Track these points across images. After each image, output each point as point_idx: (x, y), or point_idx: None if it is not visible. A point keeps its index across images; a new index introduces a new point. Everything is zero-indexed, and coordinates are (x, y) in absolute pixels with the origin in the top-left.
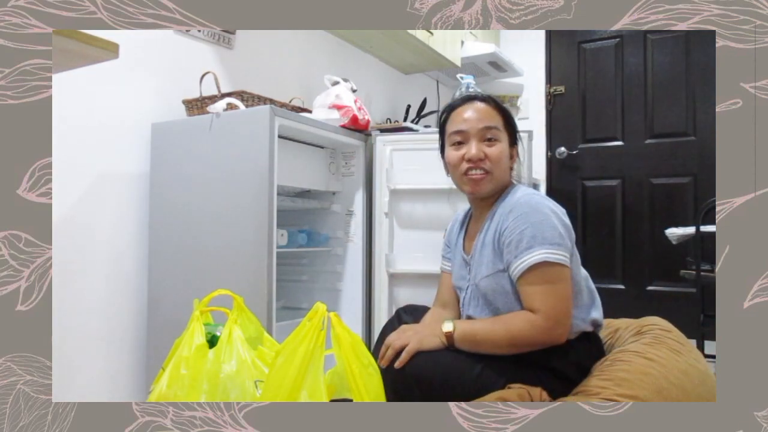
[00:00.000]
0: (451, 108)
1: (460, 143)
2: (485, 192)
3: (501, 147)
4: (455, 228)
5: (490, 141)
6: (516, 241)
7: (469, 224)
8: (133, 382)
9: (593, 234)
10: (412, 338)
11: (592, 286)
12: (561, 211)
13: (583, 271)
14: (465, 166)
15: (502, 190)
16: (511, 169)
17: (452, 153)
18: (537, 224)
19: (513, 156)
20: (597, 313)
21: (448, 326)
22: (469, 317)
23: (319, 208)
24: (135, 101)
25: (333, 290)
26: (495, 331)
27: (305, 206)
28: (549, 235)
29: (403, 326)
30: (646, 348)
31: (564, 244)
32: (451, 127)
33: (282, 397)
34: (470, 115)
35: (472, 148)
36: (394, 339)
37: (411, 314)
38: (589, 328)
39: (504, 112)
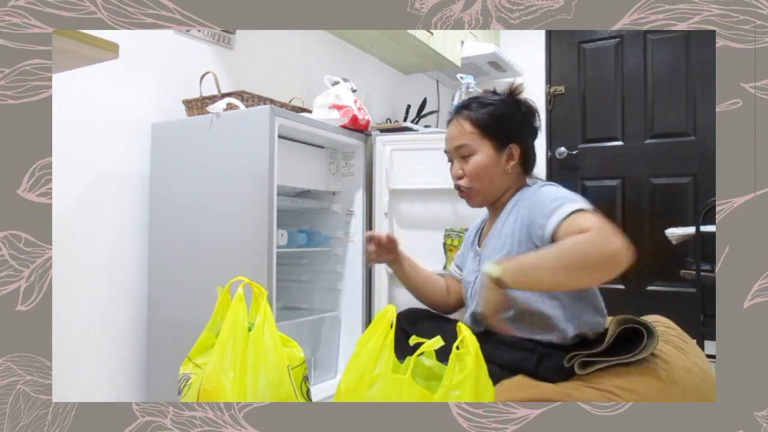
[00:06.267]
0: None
1: (451, 160)
2: (477, 205)
3: (476, 160)
4: (471, 232)
5: (466, 158)
6: (542, 211)
7: (485, 226)
8: (133, 382)
9: None
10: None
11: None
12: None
13: None
14: (455, 183)
15: (513, 190)
16: (526, 168)
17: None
18: (563, 194)
19: (513, 156)
20: (601, 317)
21: (493, 270)
22: (473, 314)
23: (319, 208)
24: (135, 101)
25: (333, 290)
26: (545, 257)
27: (305, 206)
28: (574, 196)
29: None
30: None
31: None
32: None
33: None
34: (447, 135)
35: (452, 168)
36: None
37: (409, 321)
38: (589, 332)
39: (480, 119)
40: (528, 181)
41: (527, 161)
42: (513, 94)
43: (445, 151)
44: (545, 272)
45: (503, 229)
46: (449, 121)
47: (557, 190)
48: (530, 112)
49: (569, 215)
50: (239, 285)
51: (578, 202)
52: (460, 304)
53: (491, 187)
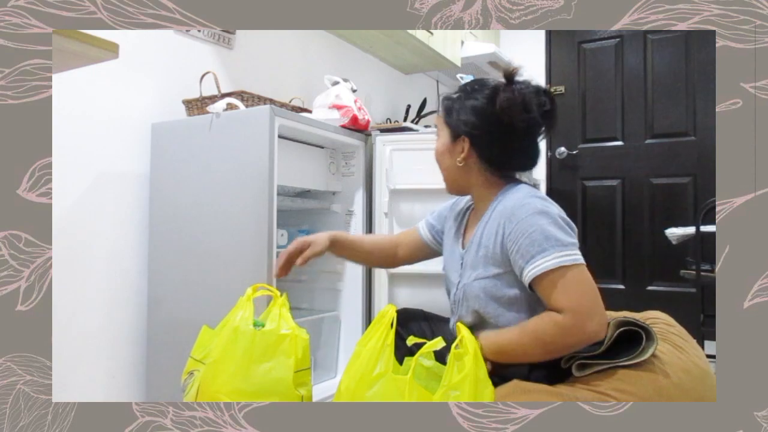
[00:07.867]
0: None
1: None
2: (450, 190)
3: (437, 144)
4: (457, 214)
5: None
6: (526, 245)
7: (470, 216)
8: (133, 381)
9: (593, 234)
10: None
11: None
12: (561, 210)
13: None
14: None
15: (487, 189)
16: (499, 166)
17: None
18: (545, 227)
19: (463, 149)
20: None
21: None
22: (459, 318)
23: (319, 208)
24: (135, 101)
25: (333, 290)
26: (524, 343)
27: (305, 206)
28: (561, 236)
29: None
30: None
31: (575, 243)
32: None
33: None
34: None
35: None
36: None
37: (402, 323)
38: None
39: (446, 105)
40: (522, 177)
41: (493, 159)
42: (510, 77)
43: None
44: (525, 357)
45: (483, 237)
46: None
47: (540, 221)
48: (506, 112)
49: (550, 271)
50: (251, 288)
51: (558, 248)
52: (410, 259)
53: (447, 176)
